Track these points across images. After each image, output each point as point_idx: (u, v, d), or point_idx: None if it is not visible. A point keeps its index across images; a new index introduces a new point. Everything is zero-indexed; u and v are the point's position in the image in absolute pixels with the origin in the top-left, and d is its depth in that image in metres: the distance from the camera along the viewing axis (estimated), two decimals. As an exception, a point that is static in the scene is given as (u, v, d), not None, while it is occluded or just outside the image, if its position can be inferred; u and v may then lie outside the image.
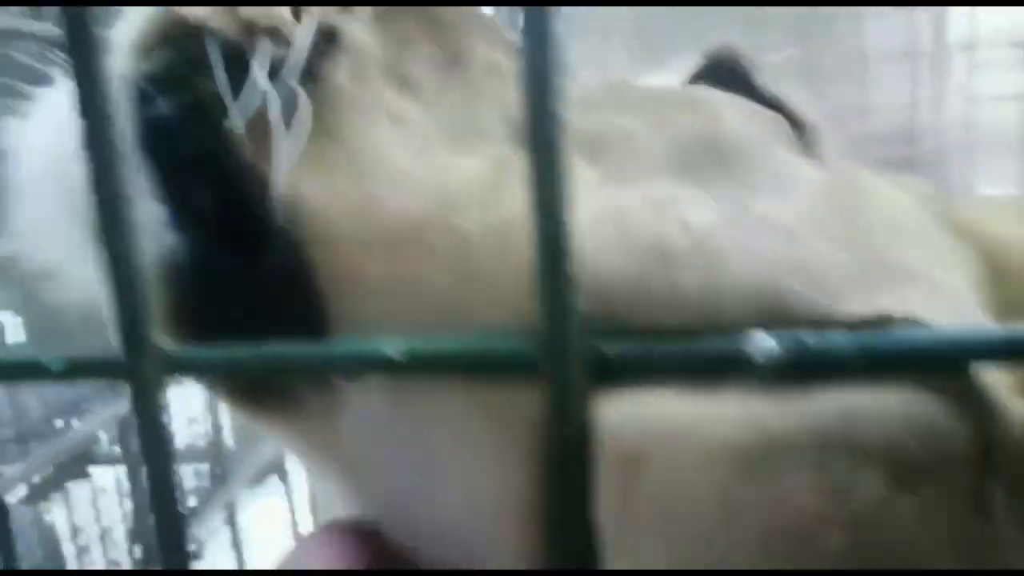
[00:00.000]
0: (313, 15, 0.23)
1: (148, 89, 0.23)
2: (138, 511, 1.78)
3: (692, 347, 0.18)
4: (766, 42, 1.45)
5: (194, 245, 0.24)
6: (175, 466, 0.20)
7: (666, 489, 0.20)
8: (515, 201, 0.20)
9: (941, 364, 0.20)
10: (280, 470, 1.88)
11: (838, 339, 0.18)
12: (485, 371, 0.19)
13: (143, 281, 0.18)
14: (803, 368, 0.18)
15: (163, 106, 0.23)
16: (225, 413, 1.64)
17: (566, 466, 0.17)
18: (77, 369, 0.20)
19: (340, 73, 0.24)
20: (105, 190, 0.18)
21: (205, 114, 0.23)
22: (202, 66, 0.23)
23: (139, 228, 0.18)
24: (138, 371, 0.19)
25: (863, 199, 0.24)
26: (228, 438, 1.83)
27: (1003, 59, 1.33)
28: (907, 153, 1.47)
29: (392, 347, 0.19)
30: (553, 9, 0.16)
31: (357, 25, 0.24)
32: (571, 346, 0.18)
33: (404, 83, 0.24)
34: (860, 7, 1.46)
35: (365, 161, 0.23)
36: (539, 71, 0.16)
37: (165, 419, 0.20)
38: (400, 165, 0.23)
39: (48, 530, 1.62)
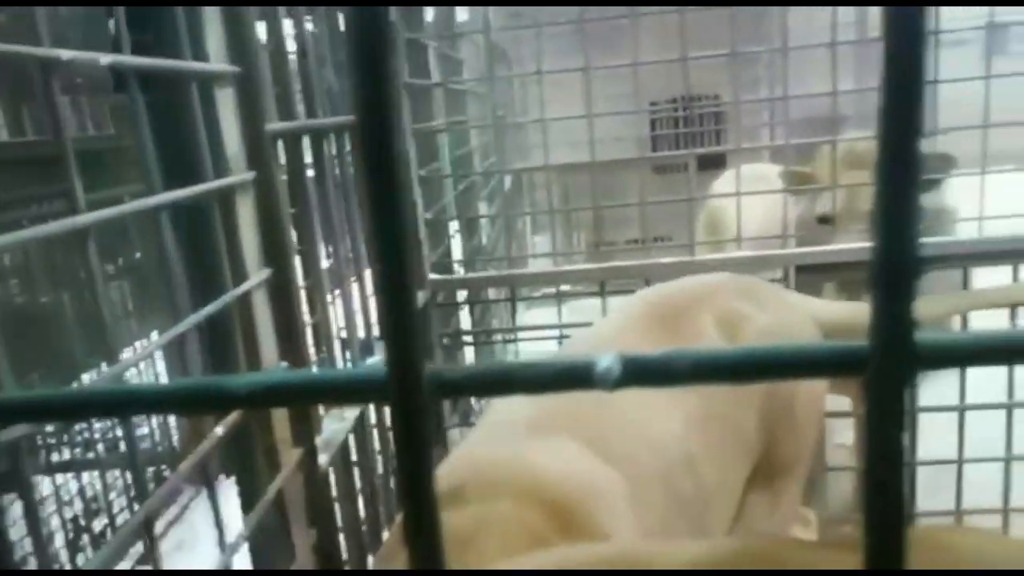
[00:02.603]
0: None
1: None
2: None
3: (541, 368, 0.19)
4: (701, 37, 1.49)
5: None
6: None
7: None
8: None
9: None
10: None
11: (675, 355, 0.19)
12: (340, 400, 0.20)
13: None
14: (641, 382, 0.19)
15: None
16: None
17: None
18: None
19: None
20: None
21: None
22: None
23: None
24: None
25: None
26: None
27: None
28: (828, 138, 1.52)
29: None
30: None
31: None
32: (420, 371, 0.19)
33: None
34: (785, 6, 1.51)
35: None
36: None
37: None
38: None
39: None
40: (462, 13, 2.32)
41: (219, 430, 0.65)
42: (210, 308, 0.65)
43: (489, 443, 0.84)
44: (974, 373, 1.40)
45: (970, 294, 1.36)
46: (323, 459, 0.89)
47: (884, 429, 0.17)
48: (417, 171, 1.44)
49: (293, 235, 0.95)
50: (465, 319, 1.89)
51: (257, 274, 0.74)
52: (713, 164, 2.33)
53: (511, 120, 2.55)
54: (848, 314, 1.17)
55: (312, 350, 0.97)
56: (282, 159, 0.92)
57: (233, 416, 0.67)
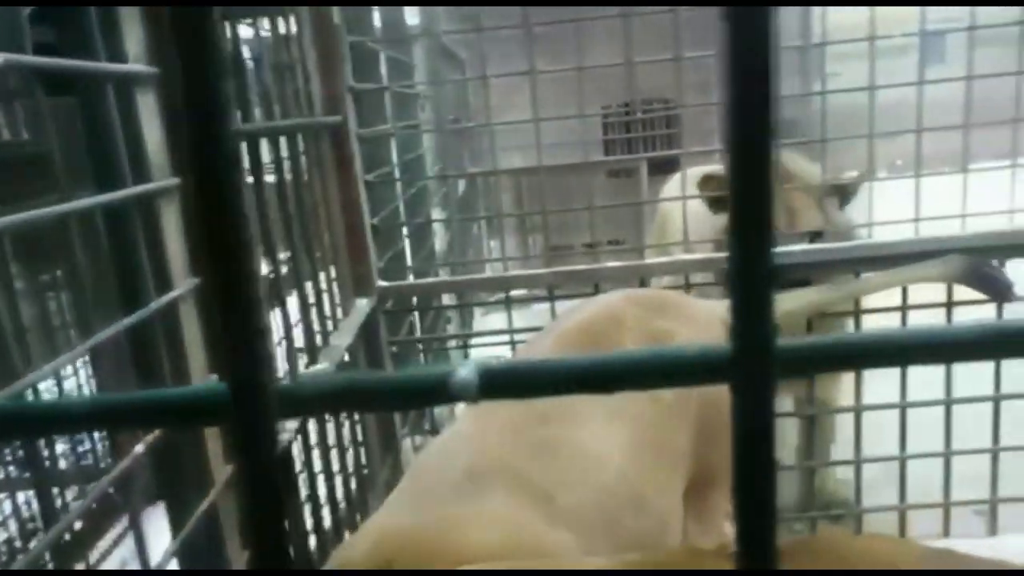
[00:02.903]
0: None
1: None
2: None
3: (398, 381, 0.18)
4: (653, 41, 1.49)
5: None
6: None
7: None
8: None
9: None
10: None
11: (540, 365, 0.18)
12: (180, 423, 0.18)
13: None
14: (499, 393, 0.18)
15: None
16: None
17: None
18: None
19: None
20: None
21: None
22: None
23: None
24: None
25: None
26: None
27: (853, 51, 1.41)
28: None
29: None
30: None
31: None
32: (263, 388, 0.17)
33: None
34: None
35: None
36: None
37: None
38: None
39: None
40: (412, 17, 2.30)
41: (139, 448, 0.62)
42: (128, 320, 0.62)
43: (419, 504, 0.79)
44: (915, 372, 1.43)
45: (828, 288, 1.38)
46: (260, 473, 0.86)
47: (750, 432, 0.16)
48: (363, 176, 1.42)
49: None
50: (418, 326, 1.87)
51: (183, 284, 0.71)
52: (666, 168, 2.35)
53: (465, 124, 2.53)
54: None
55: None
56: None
57: (155, 433, 0.64)
